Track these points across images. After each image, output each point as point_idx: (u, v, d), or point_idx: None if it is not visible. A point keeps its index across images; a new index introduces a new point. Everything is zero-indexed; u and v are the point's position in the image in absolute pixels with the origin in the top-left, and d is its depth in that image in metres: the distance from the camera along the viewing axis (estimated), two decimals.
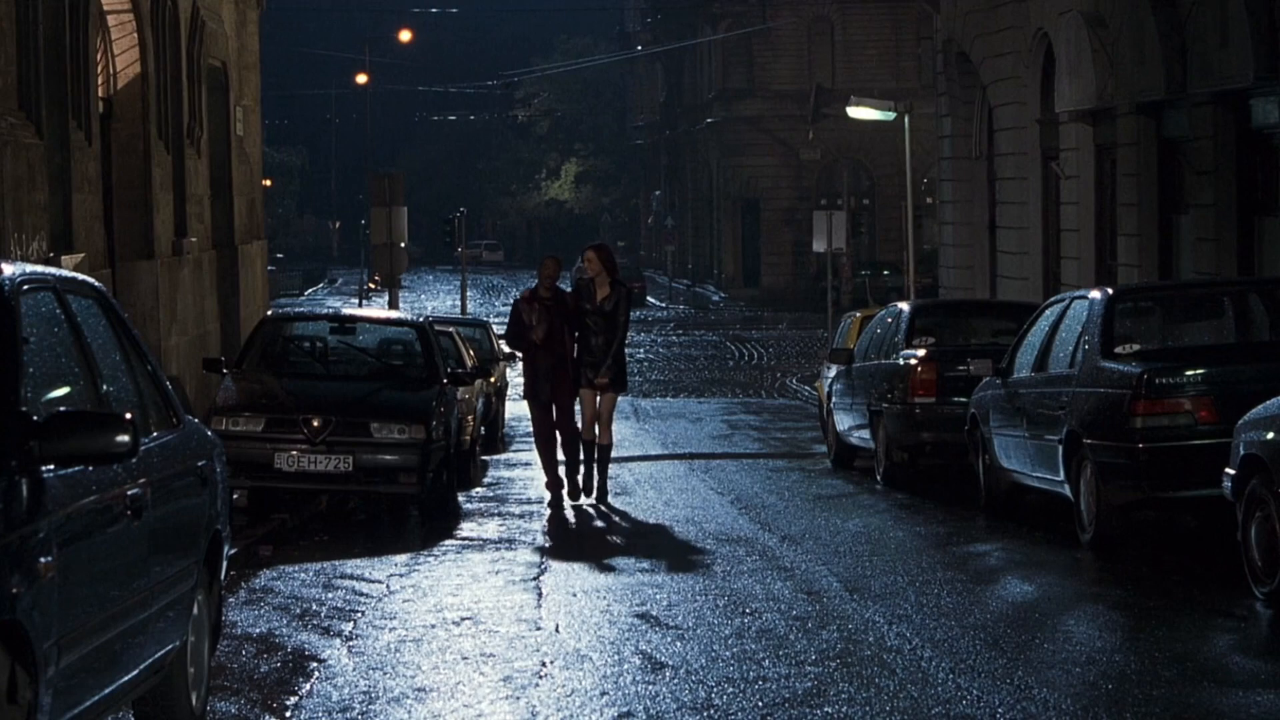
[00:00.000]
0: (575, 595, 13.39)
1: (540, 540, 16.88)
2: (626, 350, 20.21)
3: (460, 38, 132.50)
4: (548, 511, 19.03)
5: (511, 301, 20.56)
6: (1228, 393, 14.30)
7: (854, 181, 74.05)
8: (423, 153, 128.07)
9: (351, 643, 11.54)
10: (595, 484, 19.60)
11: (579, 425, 19.69)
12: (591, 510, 18.98)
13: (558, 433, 19.51)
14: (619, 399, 20.03)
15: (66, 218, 17.59)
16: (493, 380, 26.82)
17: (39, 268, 7.87)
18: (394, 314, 25.53)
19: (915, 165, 38.80)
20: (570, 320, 19.33)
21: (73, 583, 6.90)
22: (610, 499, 19.57)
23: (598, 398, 19.42)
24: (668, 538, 16.61)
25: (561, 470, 19.67)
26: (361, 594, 13.59)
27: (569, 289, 20.06)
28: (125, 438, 6.98)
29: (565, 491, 19.52)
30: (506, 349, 26.76)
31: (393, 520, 18.80)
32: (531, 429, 20.46)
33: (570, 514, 18.86)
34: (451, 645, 11.42)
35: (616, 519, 18.03)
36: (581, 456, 19.70)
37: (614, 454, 20.20)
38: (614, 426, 19.92)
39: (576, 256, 38.08)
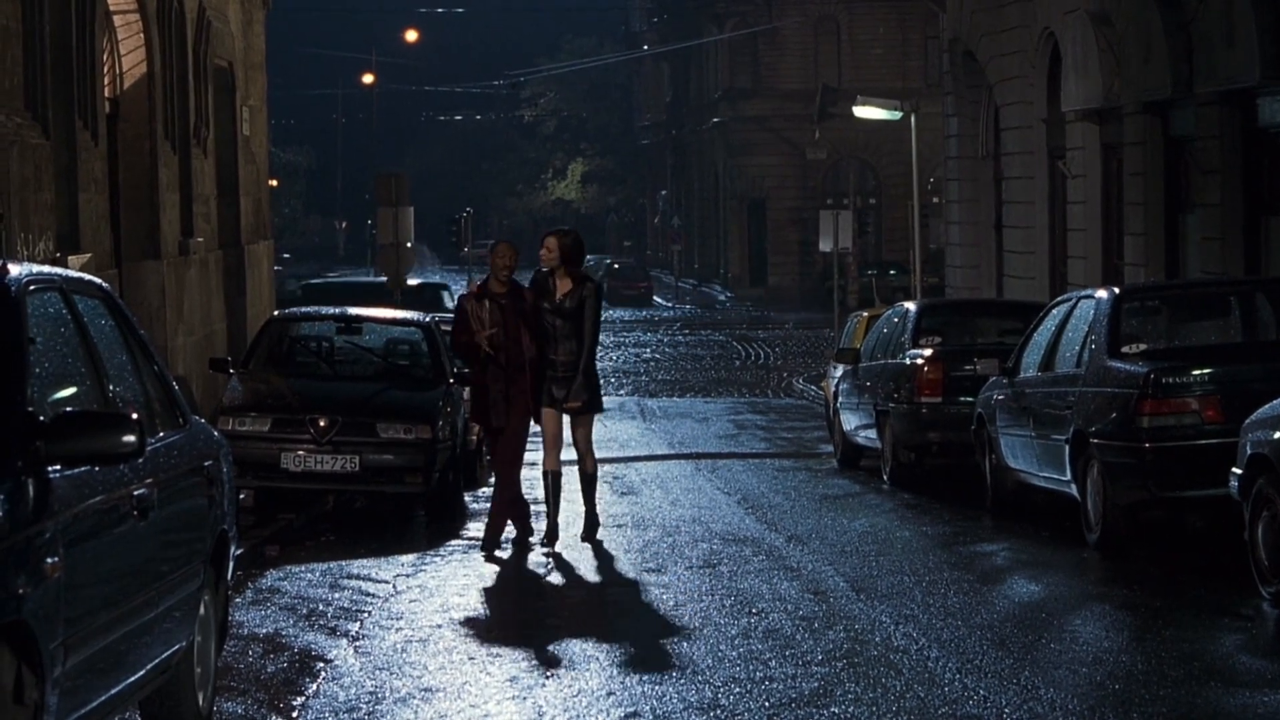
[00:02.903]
0: (581, 594, 13.39)
1: (546, 540, 16.84)
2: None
3: (466, 38, 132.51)
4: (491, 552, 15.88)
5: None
6: (1234, 392, 14.29)
7: (860, 181, 74.00)
8: (429, 153, 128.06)
9: (358, 643, 11.54)
10: (584, 520, 16.30)
11: (522, 477, 16.34)
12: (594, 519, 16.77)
13: (493, 474, 16.46)
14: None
15: (73, 218, 17.59)
16: None
17: (45, 268, 7.87)
18: (400, 314, 25.49)
19: (921, 165, 38.79)
20: (530, 322, 15.87)
21: (79, 583, 6.90)
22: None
23: (563, 419, 16.05)
24: (674, 537, 16.59)
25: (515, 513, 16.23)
26: (368, 594, 13.58)
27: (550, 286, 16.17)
28: (131, 438, 6.98)
29: (487, 544, 15.90)
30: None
31: (399, 520, 18.78)
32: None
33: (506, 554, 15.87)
34: (458, 645, 11.42)
35: (623, 520, 17.99)
36: (542, 496, 16.55)
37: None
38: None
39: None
